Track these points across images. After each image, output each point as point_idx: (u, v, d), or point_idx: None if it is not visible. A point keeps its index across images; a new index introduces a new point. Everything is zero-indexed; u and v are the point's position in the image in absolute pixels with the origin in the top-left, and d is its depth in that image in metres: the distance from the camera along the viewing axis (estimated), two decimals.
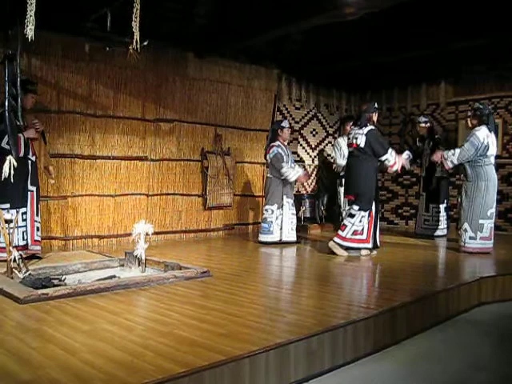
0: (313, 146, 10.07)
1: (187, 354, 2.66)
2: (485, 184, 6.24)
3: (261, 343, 2.84)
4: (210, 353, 2.68)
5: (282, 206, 7.19)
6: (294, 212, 7.39)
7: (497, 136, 6.94)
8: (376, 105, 6.44)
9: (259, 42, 7.82)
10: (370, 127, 6.19)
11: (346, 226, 6.18)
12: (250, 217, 9.03)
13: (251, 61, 8.75)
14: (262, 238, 7.27)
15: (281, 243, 7.12)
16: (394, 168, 6.27)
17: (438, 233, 7.88)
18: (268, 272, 5.55)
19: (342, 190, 8.00)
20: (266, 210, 7.25)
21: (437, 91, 9.53)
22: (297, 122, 9.59)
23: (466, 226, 6.31)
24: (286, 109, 9.61)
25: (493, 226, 6.35)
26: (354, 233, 6.13)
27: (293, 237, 7.27)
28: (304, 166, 9.46)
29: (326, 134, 10.31)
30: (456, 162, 6.34)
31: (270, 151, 7.24)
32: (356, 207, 6.12)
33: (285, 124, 7.45)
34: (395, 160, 6.21)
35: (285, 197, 7.21)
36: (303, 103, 9.86)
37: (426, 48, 7.72)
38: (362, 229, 6.11)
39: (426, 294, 4.20)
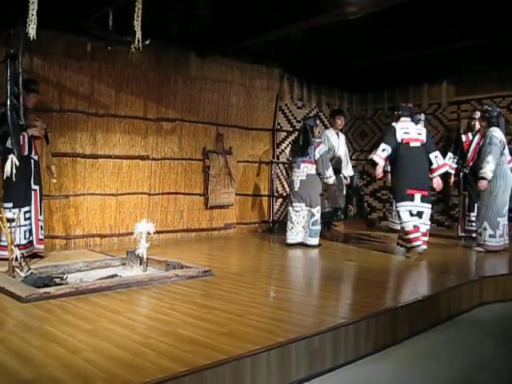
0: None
1: (188, 353, 2.66)
2: (503, 182, 6.30)
3: (262, 342, 2.84)
4: (211, 352, 2.68)
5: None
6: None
7: None
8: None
9: (261, 41, 7.82)
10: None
11: (428, 230, 6.13)
12: (251, 216, 9.03)
13: (253, 60, 8.75)
14: (316, 241, 6.86)
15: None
16: (443, 169, 6.19)
17: None
18: (269, 271, 5.55)
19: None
20: (318, 212, 6.86)
21: (438, 91, 9.51)
22: (298, 122, 9.57)
23: (485, 224, 6.31)
24: (288, 108, 9.61)
25: (506, 222, 6.41)
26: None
27: None
28: None
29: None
30: (494, 168, 6.20)
31: (319, 147, 6.93)
32: (428, 205, 6.02)
33: (318, 122, 7.40)
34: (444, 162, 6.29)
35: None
36: (305, 102, 9.86)
37: (428, 48, 7.71)
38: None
39: (428, 294, 4.20)
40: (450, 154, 6.92)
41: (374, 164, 6.15)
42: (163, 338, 2.93)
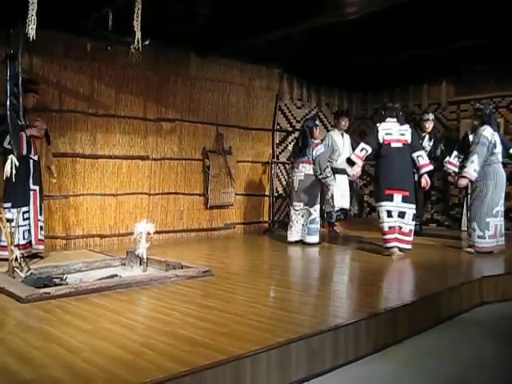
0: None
1: (188, 354, 2.66)
2: (493, 182, 6.19)
3: (262, 342, 2.84)
4: (211, 352, 2.68)
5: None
6: None
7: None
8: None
9: (260, 41, 7.81)
10: (407, 124, 6.33)
11: (412, 230, 6.14)
12: (251, 216, 9.03)
13: (252, 60, 8.74)
14: (313, 239, 6.92)
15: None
16: (427, 168, 6.18)
17: None
18: (269, 271, 5.54)
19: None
20: (315, 210, 6.95)
21: (438, 90, 9.52)
22: (298, 122, 9.58)
23: (474, 225, 6.24)
24: (288, 108, 9.62)
25: (500, 223, 6.27)
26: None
27: None
28: None
29: (327, 132, 10.28)
30: (478, 168, 6.13)
31: (317, 148, 6.99)
32: (410, 206, 6.04)
33: (318, 122, 7.48)
34: (429, 162, 6.29)
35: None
36: (304, 102, 9.87)
37: (427, 48, 7.70)
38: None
39: (428, 294, 4.20)
40: (455, 153, 6.94)
41: (351, 163, 6.28)
42: (163, 338, 2.93)
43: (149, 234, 5.07)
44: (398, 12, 6.53)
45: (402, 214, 6.00)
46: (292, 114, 9.69)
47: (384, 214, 6.01)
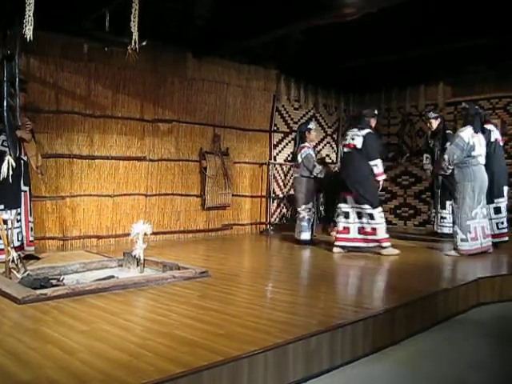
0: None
1: (186, 355, 2.66)
2: (471, 185, 6.07)
3: (259, 343, 2.83)
4: (208, 353, 2.68)
5: (313, 206, 7.44)
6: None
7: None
8: (376, 111, 6.65)
9: (258, 42, 7.82)
10: (368, 130, 6.39)
11: (379, 228, 6.27)
12: (248, 217, 9.03)
13: (250, 61, 8.75)
14: (304, 236, 7.28)
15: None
16: (380, 178, 6.40)
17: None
18: (266, 272, 5.54)
19: None
20: (304, 210, 7.27)
21: (435, 91, 9.54)
22: (295, 123, 9.58)
23: (456, 228, 6.20)
24: (285, 109, 9.62)
25: (481, 225, 6.17)
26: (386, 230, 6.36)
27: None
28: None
29: (324, 134, 10.31)
30: (451, 165, 6.19)
31: (302, 151, 7.29)
32: (365, 206, 6.25)
33: (312, 126, 7.60)
34: (382, 170, 6.42)
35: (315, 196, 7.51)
36: (302, 103, 9.87)
37: (425, 48, 7.73)
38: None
39: (425, 295, 4.21)
40: (425, 155, 7.05)
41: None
42: (160, 339, 2.92)
43: (146, 234, 5.06)
44: (395, 13, 6.56)
45: (359, 215, 6.31)
46: (289, 115, 9.69)
47: (341, 216, 6.44)
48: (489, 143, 6.61)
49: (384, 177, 6.53)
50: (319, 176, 7.25)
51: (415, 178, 9.75)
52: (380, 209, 6.35)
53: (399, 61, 8.30)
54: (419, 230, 9.08)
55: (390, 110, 10.26)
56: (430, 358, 3.39)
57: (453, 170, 6.26)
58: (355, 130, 6.44)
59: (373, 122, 6.54)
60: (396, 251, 6.28)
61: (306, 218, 7.26)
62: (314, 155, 7.37)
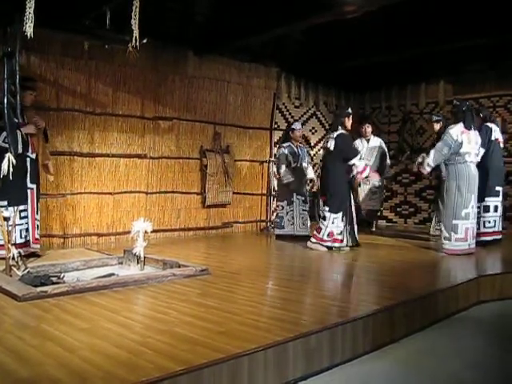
0: (312, 144, 10.07)
1: (186, 352, 2.66)
2: (456, 183, 5.96)
3: (259, 341, 2.84)
4: (208, 351, 2.68)
5: (292, 203, 7.47)
6: (306, 208, 7.56)
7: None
8: (349, 110, 6.61)
9: (258, 40, 7.82)
10: (340, 131, 6.40)
11: (321, 228, 6.42)
12: (248, 215, 9.03)
13: (250, 59, 8.74)
14: (276, 231, 7.74)
15: (293, 237, 7.42)
16: (364, 174, 6.46)
17: None
18: (267, 270, 5.55)
19: None
20: (277, 207, 7.73)
21: (436, 89, 9.52)
22: (296, 121, 9.57)
23: (441, 226, 6.19)
24: (285, 107, 9.61)
25: (471, 226, 6.02)
26: (330, 234, 6.36)
27: (305, 231, 7.46)
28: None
29: (325, 132, 10.29)
30: (432, 164, 6.07)
31: (279, 150, 7.63)
32: (327, 208, 6.41)
33: (295, 126, 7.79)
34: (364, 167, 6.45)
35: (295, 194, 7.47)
36: (302, 101, 9.86)
37: (425, 47, 7.72)
38: (340, 231, 6.36)
39: (425, 293, 4.21)
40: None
41: None
42: (160, 336, 2.92)
43: (146, 232, 5.07)
44: (395, 11, 6.55)
45: (324, 217, 6.44)
46: (290, 113, 9.68)
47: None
48: (488, 142, 6.59)
49: (367, 172, 6.52)
50: (282, 179, 7.45)
51: (415, 175, 9.74)
52: (335, 215, 6.30)
53: (400, 59, 8.30)
54: (419, 229, 9.07)
55: (390, 108, 10.25)
56: (430, 356, 3.39)
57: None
58: (330, 132, 6.64)
59: (347, 122, 6.47)
60: (323, 249, 6.39)
61: (279, 214, 7.59)
62: (289, 155, 7.48)
